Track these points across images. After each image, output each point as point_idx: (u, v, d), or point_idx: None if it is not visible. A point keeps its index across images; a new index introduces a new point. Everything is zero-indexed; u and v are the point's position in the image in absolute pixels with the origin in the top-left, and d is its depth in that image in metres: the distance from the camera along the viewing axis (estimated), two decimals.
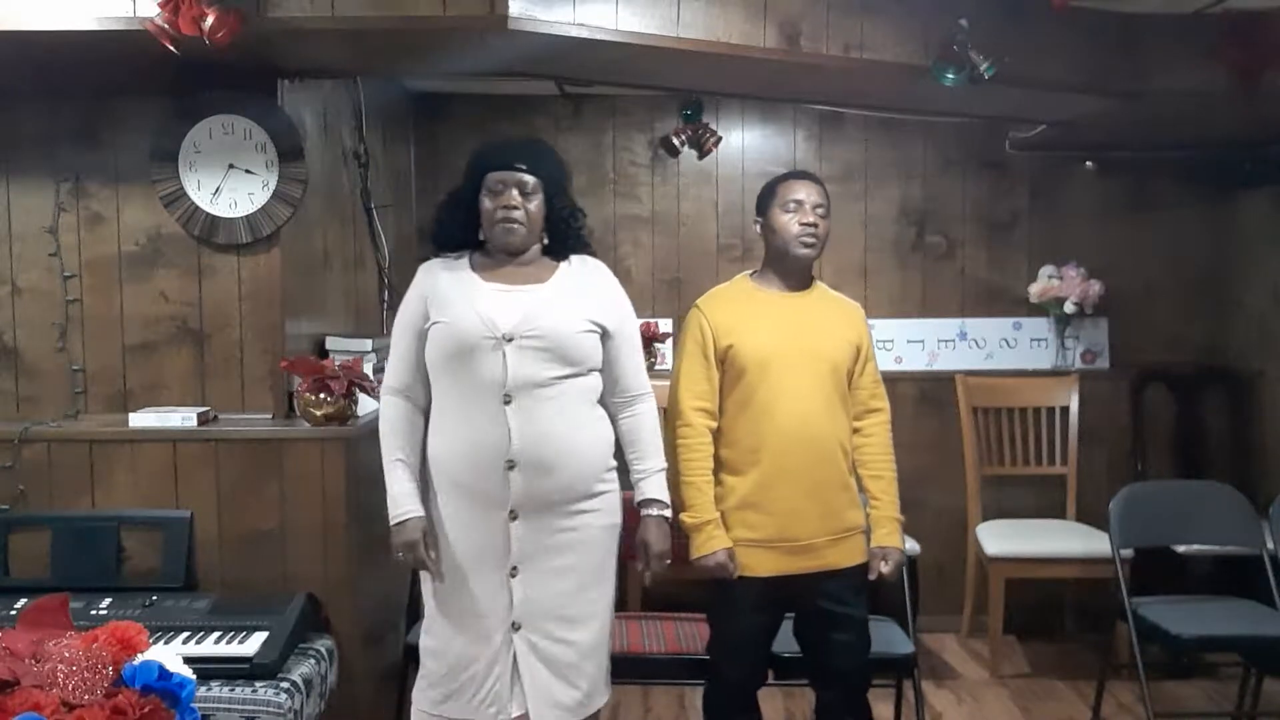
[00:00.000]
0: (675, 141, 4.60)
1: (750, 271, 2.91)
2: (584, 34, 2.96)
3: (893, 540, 2.78)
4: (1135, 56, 3.50)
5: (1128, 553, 3.62)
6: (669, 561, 2.64)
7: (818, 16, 3.19)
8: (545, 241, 2.62)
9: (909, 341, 4.68)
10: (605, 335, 2.59)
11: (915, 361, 4.69)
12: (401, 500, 2.57)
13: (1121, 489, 3.60)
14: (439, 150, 4.68)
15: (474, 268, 2.60)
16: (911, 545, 3.84)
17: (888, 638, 3.15)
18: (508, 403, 2.47)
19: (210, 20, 2.66)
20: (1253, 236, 4.61)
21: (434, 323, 2.54)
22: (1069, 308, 4.61)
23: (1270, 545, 3.49)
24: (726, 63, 3.24)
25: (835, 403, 2.76)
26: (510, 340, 2.48)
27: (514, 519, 2.51)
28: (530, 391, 2.48)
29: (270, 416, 3.30)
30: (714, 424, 2.76)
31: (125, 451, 3.13)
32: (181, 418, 3.15)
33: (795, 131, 4.79)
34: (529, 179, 2.54)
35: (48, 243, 3.34)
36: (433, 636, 2.62)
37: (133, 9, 2.78)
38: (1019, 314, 4.77)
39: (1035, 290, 4.68)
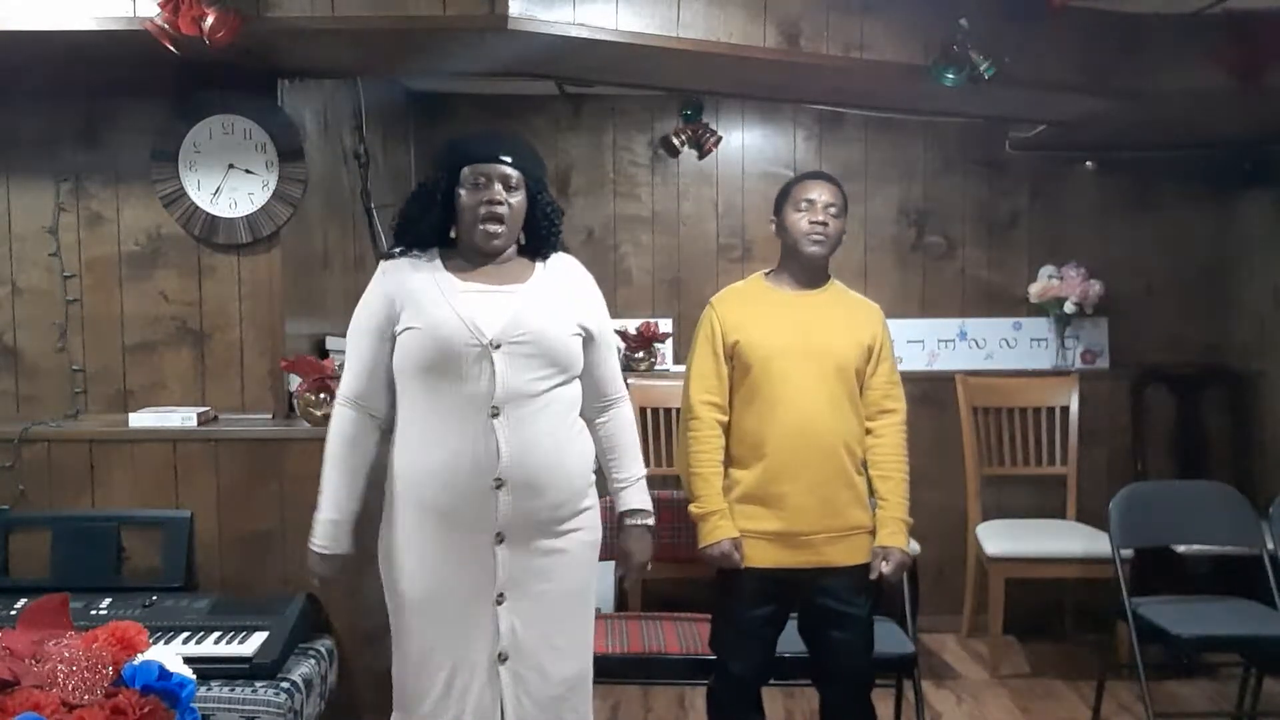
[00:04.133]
0: (675, 141, 4.61)
1: (766, 270, 2.92)
2: (584, 34, 2.96)
3: (896, 540, 2.77)
4: (1135, 56, 3.50)
5: (1128, 553, 3.61)
6: (650, 568, 2.56)
7: (818, 16, 3.20)
8: (522, 241, 2.41)
9: (909, 341, 4.67)
10: (589, 339, 2.41)
11: (915, 361, 4.68)
12: (328, 530, 2.38)
13: (1121, 489, 3.59)
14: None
15: (447, 268, 2.36)
16: (911, 545, 3.83)
17: (888, 638, 3.15)
18: (495, 416, 2.26)
19: (210, 20, 2.66)
20: (1253, 236, 4.61)
21: (406, 328, 2.31)
22: (1069, 308, 4.61)
23: (1270, 545, 3.49)
24: (726, 63, 3.24)
25: (841, 401, 2.77)
26: (498, 347, 2.26)
27: (500, 542, 2.29)
28: (520, 403, 2.27)
29: (270, 416, 3.30)
30: (724, 418, 2.78)
31: (125, 451, 3.13)
32: (181, 418, 3.15)
33: (795, 131, 4.79)
34: (513, 173, 2.31)
35: (48, 243, 3.34)
36: (409, 674, 2.37)
37: (133, 9, 2.78)
38: (1019, 314, 4.76)
39: (1035, 290, 4.67)
